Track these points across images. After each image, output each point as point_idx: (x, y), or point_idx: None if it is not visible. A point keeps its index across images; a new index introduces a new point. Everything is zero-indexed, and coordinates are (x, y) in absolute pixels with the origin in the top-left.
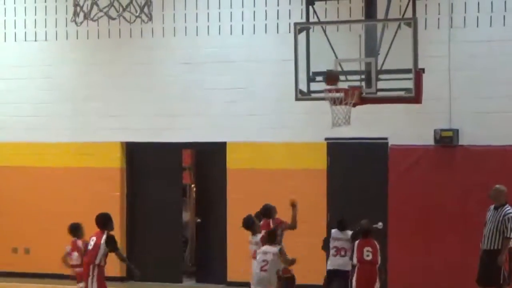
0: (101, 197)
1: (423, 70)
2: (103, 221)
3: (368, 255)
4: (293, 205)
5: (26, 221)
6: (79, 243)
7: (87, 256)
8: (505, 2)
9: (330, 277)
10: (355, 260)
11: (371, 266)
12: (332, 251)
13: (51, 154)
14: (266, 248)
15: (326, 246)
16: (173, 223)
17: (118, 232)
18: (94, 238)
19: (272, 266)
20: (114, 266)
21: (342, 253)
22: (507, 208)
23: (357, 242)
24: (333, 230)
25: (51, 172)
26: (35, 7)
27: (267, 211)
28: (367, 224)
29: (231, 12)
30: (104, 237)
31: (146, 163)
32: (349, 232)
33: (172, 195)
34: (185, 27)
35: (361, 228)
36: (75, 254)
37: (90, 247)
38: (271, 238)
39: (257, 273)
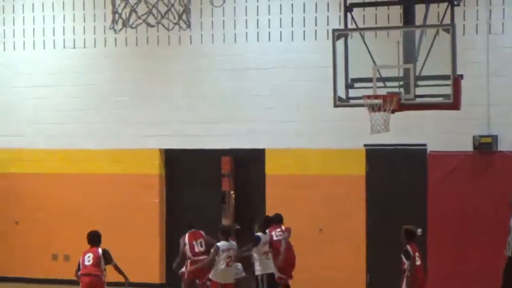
0: (141, 204)
1: (461, 76)
2: (98, 238)
3: (417, 261)
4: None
5: (66, 228)
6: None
7: (96, 269)
8: None
9: None
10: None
11: (421, 271)
12: None
13: (90, 161)
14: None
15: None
16: (213, 230)
17: (157, 238)
18: (91, 254)
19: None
20: (154, 273)
21: None
22: None
23: (409, 246)
24: None
25: (90, 179)
26: (74, 14)
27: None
28: (412, 228)
29: (269, 19)
30: (101, 251)
31: (185, 170)
32: None
33: (211, 201)
34: (224, 34)
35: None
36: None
37: (89, 262)
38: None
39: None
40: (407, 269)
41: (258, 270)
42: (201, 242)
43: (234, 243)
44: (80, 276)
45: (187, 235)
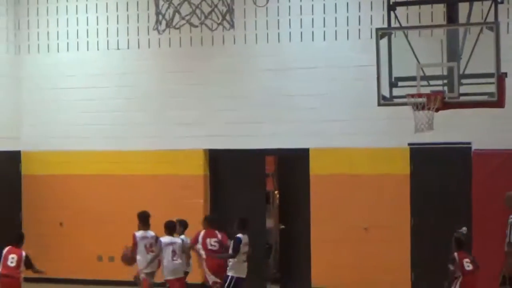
0: (185, 205)
1: (505, 74)
2: (21, 239)
3: (468, 266)
4: None
5: (111, 229)
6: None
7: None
8: None
9: None
10: (458, 272)
11: (473, 276)
12: None
13: (133, 162)
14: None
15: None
16: (257, 230)
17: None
18: (15, 256)
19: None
20: (197, 272)
21: None
22: None
23: (457, 254)
24: None
25: (134, 180)
26: (117, 15)
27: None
28: (461, 235)
29: (312, 19)
30: (24, 254)
31: (229, 170)
32: None
33: (255, 201)
34: (267, 34)
35: (458, 241)
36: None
37: (12, 264)
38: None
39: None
40: (451, 275)
41: (231, 271)
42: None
43: (177, 238)
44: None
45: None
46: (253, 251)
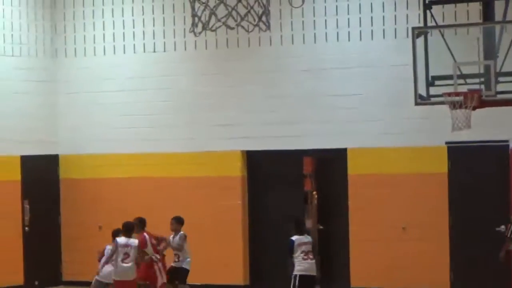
0: (223, 206)
1: None
2: None
3: None
4: None
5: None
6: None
7: None
8: None
9: None
10: None
11: None
12: None
13: (171, 164)
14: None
15: None
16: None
17: (241, 240)
18: None
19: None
20: (238, 274)
21: None
22: None
23: None
24: None
25: (172, 182)
26: (153, 18)
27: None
28: None
29: (348, 19)
30: None
31: (267, 171)
32: None
33: (293, 202)
34: (303, 35)
35: None
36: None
37: None
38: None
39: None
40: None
41: (295, 270)
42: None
43: (134, 240)
44: None
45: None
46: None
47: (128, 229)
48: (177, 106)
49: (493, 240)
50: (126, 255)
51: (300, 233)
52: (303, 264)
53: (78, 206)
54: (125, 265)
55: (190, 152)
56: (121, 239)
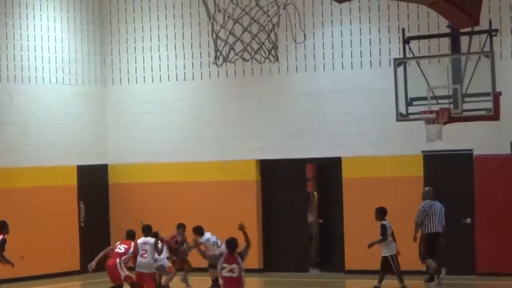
0: (241, 205)
1: (500, 93)
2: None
3: None
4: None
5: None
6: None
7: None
8: None
9: None
10: None
11: None
12: None
13: (199, 171)
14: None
15: None
16: (300, 223)
17: (255, 232)
18: None
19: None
20: (253, 259)
21: None
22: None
23: None
24: None
25: (200, 186)
26: (184, 53)
27: None
28: None
29: (342, 52)
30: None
31: (276, 175)
32: None
33: (298, 200)
34: (305, 65)
35: None
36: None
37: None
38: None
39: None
40: None
41: (386, 252)
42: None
43: (150, 238)
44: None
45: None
46: (296, 241)
47: (146, 230)
48: (204, 124)
49: (461, 230)
50: (144, 251)
51: (384, 219)
52: (393, 246)
53: (124, 206)
54: (144, 259)
55: (215, 161)
56: (140, 239)
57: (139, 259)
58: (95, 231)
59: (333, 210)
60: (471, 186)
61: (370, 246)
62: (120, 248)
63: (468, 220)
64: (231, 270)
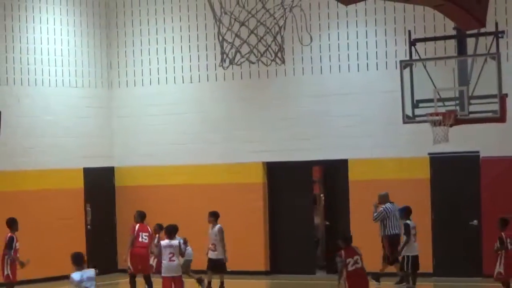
0: (248, 207)
1: (506, 95)
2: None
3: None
4: None
5: (192, 229)
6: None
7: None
8: None
9: None
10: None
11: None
12: None
13: (206, 173)
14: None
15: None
16: (306, 226)
17: (262, 233)
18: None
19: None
20: (259, 261)
21: None
22: None
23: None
24: None
25: (208, 188)
26: (190, 55)
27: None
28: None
29: (348, 54)
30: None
31: (283, 178)
32: None
33: (304, 203)
34: (312, 67)
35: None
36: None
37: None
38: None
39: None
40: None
41: (406, 252)
42: (146, 235)
43: (175, 241)
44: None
45: (137, 226)
46: (302, 243)
47: (169, 232)
48: (210, 126)
49: (467, 232)
50: (171, 254)
51: (408, 218)
52: (414, 245)
53: (130, 209)
54: (172, 263)
55: (221, 164)
56: (164, 241)
57: (167, 263)
58: (101, 234)
59: (339, 212)
60: (477, 188)
61: (399, 252)
62: (144, 237)
63: (475, 222)
64: (356, 262)
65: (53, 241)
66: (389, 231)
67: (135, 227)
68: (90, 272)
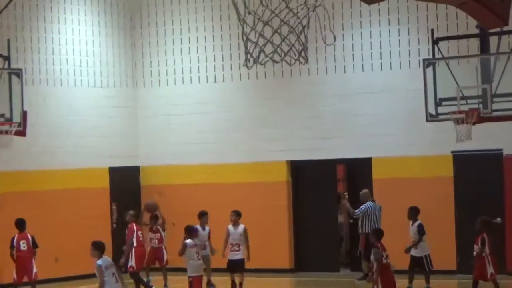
0: (273, 205)
1: None
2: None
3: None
4: None
5: (214, 227)
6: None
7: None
8: None
9: None
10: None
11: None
12: None
13: (231, 172)
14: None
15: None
16: (330, 224)
17: (287, 232)
18: (25, 241)
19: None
20: (284, 259)
21: None
22: None
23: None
24: None
25: (233, 187)
26: (214, 55)
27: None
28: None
29: (371, 53)
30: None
31: (307, 176)
32: None
33: (328, 201)
34: (335, 66)
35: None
36: None
37: (24, 248)
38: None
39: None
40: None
41: (423, 252)
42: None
43: (197, 240)
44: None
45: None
46: (327, 242)
47: (189, 231)
48: (235, 126)
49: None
50: (197, 254)
51: (417, 218)
52: (426, 245)
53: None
54: (200, 261)
55: (246, 162)
56: (188, 241)
57: (195, 262)
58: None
59: None
60: (501, 185)
61: (407, 251)
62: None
63: (499, 219)
64: (387, 256)
65: (79, 240)
66: (367, 228)
67: (133, 228)
68: (109, 259)
